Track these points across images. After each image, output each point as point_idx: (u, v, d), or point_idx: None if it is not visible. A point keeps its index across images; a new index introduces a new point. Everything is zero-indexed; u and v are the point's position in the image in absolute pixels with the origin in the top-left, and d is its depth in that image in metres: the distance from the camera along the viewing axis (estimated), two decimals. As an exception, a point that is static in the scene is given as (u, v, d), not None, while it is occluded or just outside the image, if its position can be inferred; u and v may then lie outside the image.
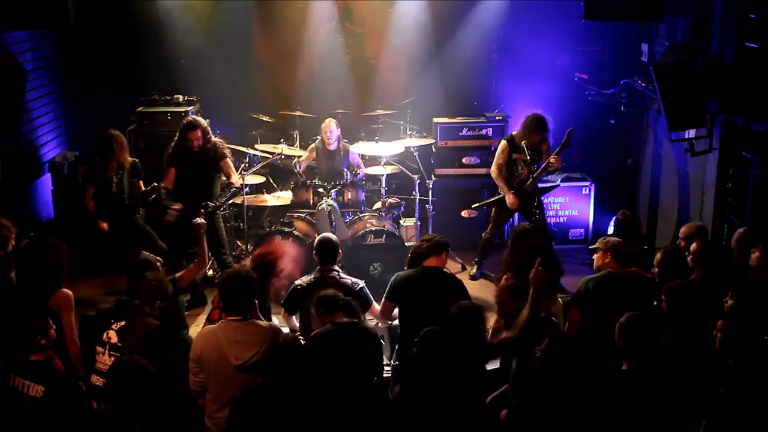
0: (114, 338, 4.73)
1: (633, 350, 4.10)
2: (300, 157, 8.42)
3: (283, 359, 4.01)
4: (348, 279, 5.48)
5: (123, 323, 4.76)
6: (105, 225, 7.34)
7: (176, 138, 7.33)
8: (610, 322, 5.07)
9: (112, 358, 4.67)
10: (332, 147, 8.26)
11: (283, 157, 8.60)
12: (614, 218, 6.22)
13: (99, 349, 4.77)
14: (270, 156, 8.49)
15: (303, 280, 5.47)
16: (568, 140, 7.20)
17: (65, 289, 5.05)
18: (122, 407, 3.76)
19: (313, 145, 8.50)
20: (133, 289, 5.09)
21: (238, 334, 4.43)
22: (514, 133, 7.75)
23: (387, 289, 5.47)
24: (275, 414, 3.86)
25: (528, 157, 7.40)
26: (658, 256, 5.23)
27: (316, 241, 5.78)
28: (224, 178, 7.56)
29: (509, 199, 7.55)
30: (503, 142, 7.71)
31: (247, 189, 8.14)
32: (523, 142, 7.40)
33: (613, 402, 3.94)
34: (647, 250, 6.11)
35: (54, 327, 4.44)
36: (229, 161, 7.48)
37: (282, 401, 3.90)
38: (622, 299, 5.06)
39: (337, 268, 5.52)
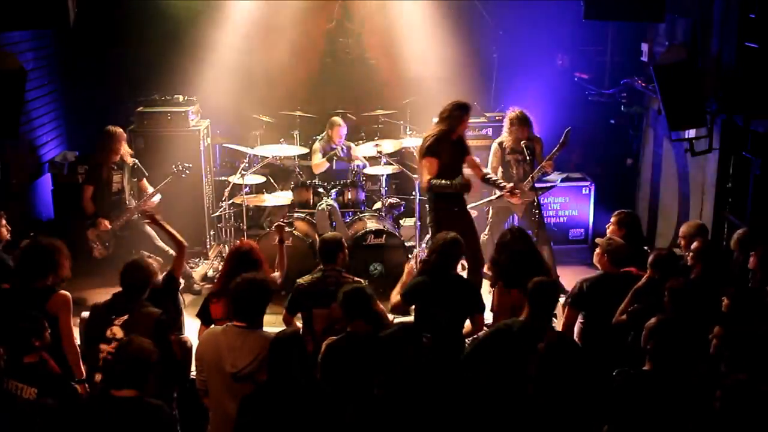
0: (119, 333, 4.63)
1: (660, 352, 4.08)
2: (311, 159, 8.47)
3: (283, 354, 3.90)
4: (350, 279, 5.47)
5: (126, 317, 4.68)
6: (107, 224, 7.35)
7: (443, 125, 6.70)
8: (606, 322, 5.13)
9: None
10: (340, 144, 8.34)
11: (283, 156, 8.63)
12: (612, 219, 6.21)
13: (103, 347, 4.66)
14: (270, 156, 8.50)
15: (304, 279, 5.41)
16: (566, 139, 7.22)
17: (63, 292, 4.98)
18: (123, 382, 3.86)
19: (317, 145, 8.51)
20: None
21: (238, 341, 4.34)
22: (503, 135, 7.78)
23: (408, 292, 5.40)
24: (282, 410, 3.83)
25: (527, 157, 7.41)
26: (651, 258, 5.24)
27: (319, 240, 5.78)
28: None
29: (510, 195, 7.55)
30: (494, 146, 7.77)
31: (247, 189, 8.17)
32: (522, 143, 7.42)
33: (633, 402, 3.94)
34: (647, 250, 6.10)
35: (49, 329, 4.40)
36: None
37: (288, 397, 3.85)
38: (617, 300, 5.09)
39: (338, 267, 5.42)
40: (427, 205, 6.90)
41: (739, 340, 4.11)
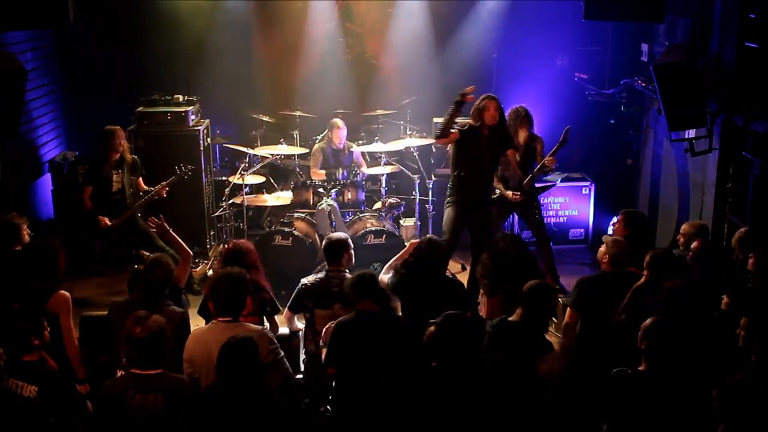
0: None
1: (655, 352, 4.09)
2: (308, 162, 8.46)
3: (232, 359, 3.94)
4: None
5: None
6: (106, 220, 7.35)
7: (470, 118, 6.86)
8: (606, 322, 5.13)
9: None
10: (340, 146, 8.34)
11: (283, 156, 8.63)
12: (616, 218, 6.20)
13: None
14: (270, 156, 8.51)
15: (308, 279, 5.43)
16: (566, 138, 7.20)
17: (63, 291, 5.01)
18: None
19: (317, 146, 8.50)
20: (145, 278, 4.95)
21: (225, 336, 4.33)
22: None
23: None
24: (229, 415, 3.88)
25: (524, 156, 7.40)
26: (647, 258, 5.24)
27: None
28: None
29: (510, 195, 7.53)
30: None
31: (247, 189, 8.17)
32: (523, 142, 7.42)
33: (630, 402, 3.95)
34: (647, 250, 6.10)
35: (48, 328, 4.41)
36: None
37: (236, 402, 3.90)
38: (617, 299, 5.09)
39: (342, 269, 5.40)
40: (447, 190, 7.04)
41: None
